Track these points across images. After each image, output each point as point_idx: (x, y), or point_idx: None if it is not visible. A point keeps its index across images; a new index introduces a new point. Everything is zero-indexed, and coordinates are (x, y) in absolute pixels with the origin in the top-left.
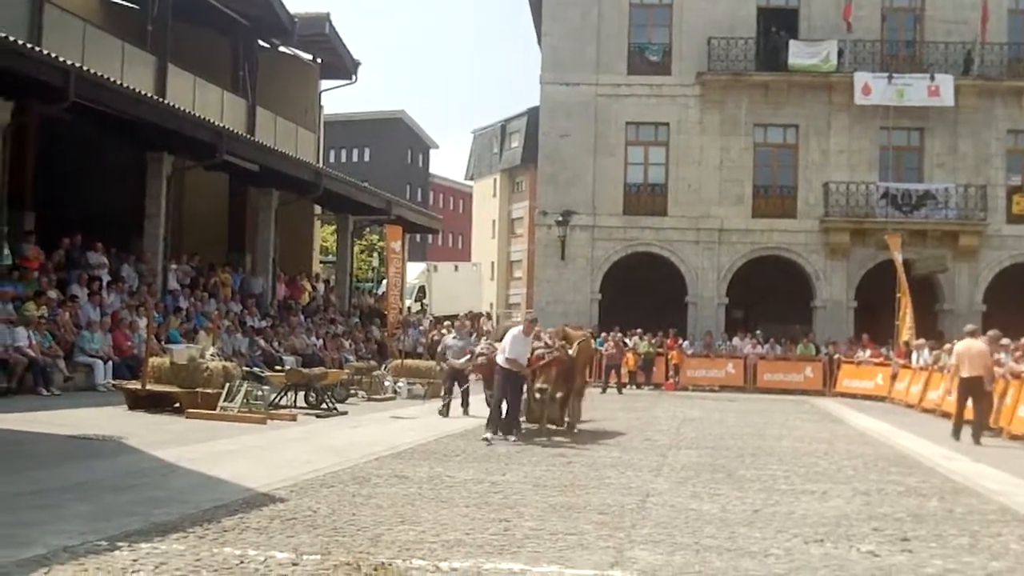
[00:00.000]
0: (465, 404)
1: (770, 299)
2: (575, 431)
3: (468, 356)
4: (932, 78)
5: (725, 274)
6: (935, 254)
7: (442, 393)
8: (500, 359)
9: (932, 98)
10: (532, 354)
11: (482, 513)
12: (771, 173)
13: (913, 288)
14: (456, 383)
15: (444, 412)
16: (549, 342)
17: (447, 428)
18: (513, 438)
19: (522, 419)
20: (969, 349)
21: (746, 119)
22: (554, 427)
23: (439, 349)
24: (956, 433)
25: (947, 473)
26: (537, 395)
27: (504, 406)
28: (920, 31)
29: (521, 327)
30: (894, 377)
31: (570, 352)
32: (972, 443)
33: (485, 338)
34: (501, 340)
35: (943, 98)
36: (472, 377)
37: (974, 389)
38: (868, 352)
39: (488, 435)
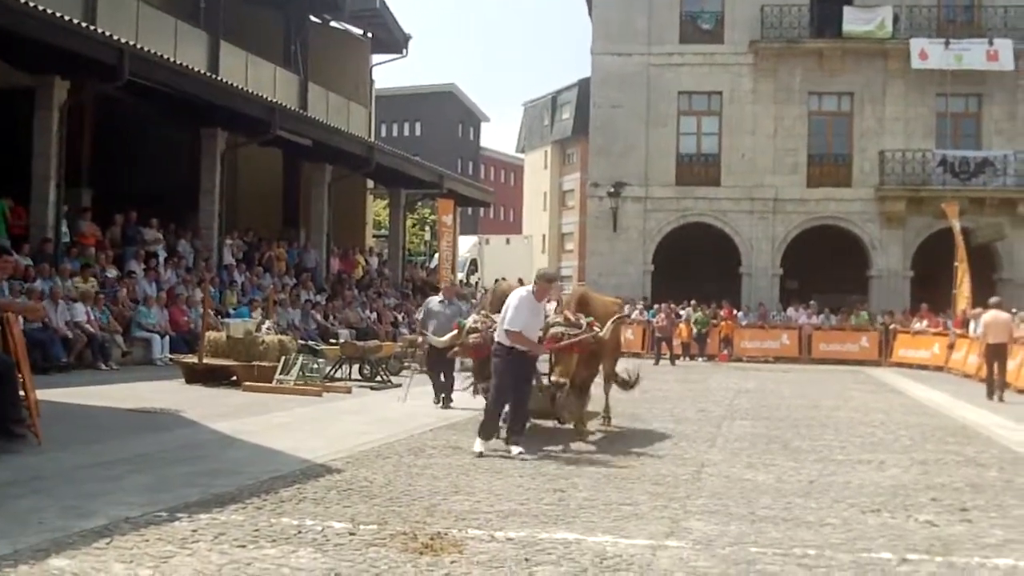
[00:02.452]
0: (447, 394)
1: (825, 269)
2: (594, 432)
3: (454, 332)
4: (991, 43)
5: (779, 244)
6: (993, 222)
7: (421, 377)
8: (499, 334)
9: (991, 63)
10: (546, 332)
11: (536, 483)
12: (826, 141)
13: (971, 257)
14: (442, 369)
15: (440, 401)
16: (571, 317)
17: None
18: (519, 449)
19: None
20: (996, 319)
21: (800, 87)
22: (564, 424)
23: (419, 317)
24: (990, 394)
25: (1006, 443)
26: (550, 388)
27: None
28: None
29: (530, 288)
30: (951, 347)
31: (599, 333)
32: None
33: (470, 305)
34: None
35: (1002, 63)
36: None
37: (998, 354)
38: (925, 322)
39: (479, 447)
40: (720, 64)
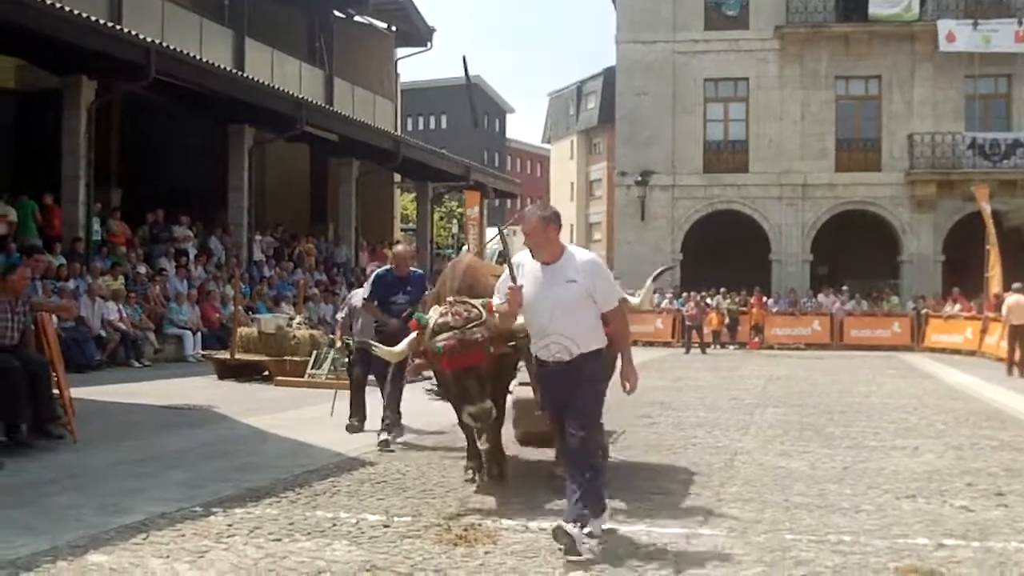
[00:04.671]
0: (392, 414)
1: (855, 255)
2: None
3: (412, 335)
4: (1020, 23)
5: (809, 230)
6: None
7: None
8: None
9: (1020, 44)
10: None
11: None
12: (854, 126)
13: (1003, 240)
14: (374, 373)
15: (354, 425)
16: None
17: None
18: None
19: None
20: (1018, 302)
21: (827, 72)
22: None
23: (341, 315)
24: (1010, 370)
25: None
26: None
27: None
28: None
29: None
30: (984, 331)
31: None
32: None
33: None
34: (465, 292)
35: None
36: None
37: (1020, 335)
38: (957, 306)
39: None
40: (746, 50)
